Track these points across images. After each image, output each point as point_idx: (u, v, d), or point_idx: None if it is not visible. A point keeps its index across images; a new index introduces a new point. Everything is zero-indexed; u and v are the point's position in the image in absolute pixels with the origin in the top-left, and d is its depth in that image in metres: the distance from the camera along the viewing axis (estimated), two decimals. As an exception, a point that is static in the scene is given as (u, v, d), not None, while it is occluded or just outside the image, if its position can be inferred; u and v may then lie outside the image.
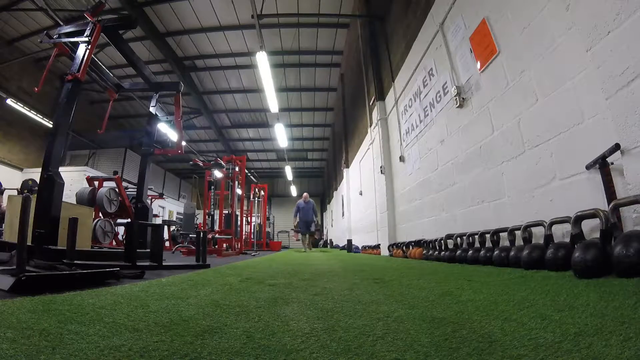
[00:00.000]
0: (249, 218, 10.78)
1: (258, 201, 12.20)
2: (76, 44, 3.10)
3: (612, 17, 1.43)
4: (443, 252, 3.15)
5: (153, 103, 4.44)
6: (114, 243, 5.06)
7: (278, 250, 11.55)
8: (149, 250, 2.91)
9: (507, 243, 2.29)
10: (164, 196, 10.83)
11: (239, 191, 8.60)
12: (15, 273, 1.32)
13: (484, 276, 1.69)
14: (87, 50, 3.01)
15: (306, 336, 0.70)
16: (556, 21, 1.99)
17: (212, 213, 8.59)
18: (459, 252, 2.81)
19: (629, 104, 1.38)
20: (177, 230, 9.72)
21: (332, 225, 17.53)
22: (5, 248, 2.54)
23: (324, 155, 20.60)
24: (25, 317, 0.80)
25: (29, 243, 1.93)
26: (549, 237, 1.79)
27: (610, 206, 1.38)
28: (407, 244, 4.38)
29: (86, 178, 5.37)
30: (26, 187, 5.73)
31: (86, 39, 3.05)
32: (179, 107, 4.57)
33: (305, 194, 9.58)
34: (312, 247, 9.07)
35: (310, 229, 9.07)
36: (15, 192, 6.64)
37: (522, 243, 2.08)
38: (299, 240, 9.70)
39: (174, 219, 14.96)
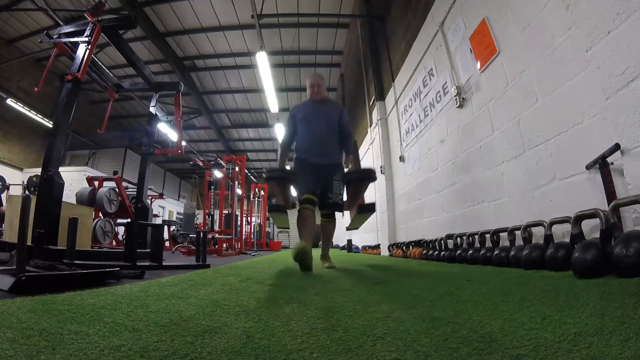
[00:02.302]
0: (249, 218, 10.78)
1: (258, 201, 12.21)
2: (76, 44, 3.10)
3: (612, 17, 1.43)
4: (443, 252, 3.15)
5: (153, 103, 4.44)
6: (114, 243, 5.06)
7: (278, 250, 11.57)
8: (149, 250, 2.91)
9: (507, 243, 2.29)
10: (164, 196, 10.82)
11: (239, 191, 8.59)
12: (15, 273, 1.31)
13: (484, 276, 1.69)
14: (87, 50, 3.01)
15: (306, 336, 0.70)
16: (556, 21, 1.99)
17: (212, 213, 8.58)
18: (459, 252, 2.81)
19: (629, 104, 1.38)
20: (177, 230, 9.71)
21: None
22: (5, 248, 2.54)
23: (324, 155, 20.55)
24: (25, 317, 0.80)
25: (29, 243, 1.93)
26: (549, 237, 1.79)
27: (610, 206, 1.38)
28: (407, 244, 4.38)
29: (86, 178, 5.38)
30: (31, 183, 5.80)
31: (86, 39, 3.05)
32: (179, 107, 4.57)
33: (311, 78, 2.90)
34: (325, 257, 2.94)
35: (332, 196, 2.78)
36: (19, 188, 6.67)
37: (522, 243, 2.08)
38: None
39: (174, 219, 14.95)
